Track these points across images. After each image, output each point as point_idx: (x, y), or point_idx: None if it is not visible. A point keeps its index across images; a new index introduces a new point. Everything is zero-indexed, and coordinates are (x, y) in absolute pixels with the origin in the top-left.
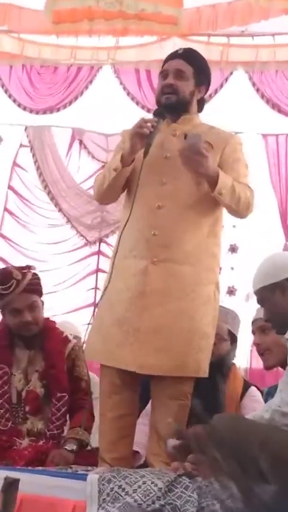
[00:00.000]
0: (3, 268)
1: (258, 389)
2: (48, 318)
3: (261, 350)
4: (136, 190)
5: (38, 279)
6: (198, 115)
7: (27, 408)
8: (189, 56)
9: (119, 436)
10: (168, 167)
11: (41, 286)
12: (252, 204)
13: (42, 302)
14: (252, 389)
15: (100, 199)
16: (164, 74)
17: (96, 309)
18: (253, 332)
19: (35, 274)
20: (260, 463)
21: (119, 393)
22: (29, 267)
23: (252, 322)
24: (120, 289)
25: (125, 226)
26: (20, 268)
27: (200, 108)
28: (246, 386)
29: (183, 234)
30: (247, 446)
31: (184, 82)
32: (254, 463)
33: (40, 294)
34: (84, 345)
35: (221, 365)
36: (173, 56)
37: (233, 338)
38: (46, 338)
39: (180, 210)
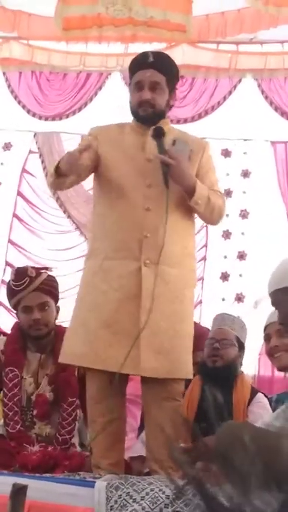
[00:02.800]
0: (20, 266)
1: (266, 396)
2: (60, 325)
3: (278, 352)
4: (120, 192)
5: (54, 281)
6: (168, 119)
7: (34, 412)
8: (162, 64)
9: (112, 441)
10: (151, 170)
11: (56, 289)
12: (224, 210)
13: (57, 307)
14: (259, 395)
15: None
16: (138, 86)
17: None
18: (266, 337)
19: (51, 276)
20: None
21: (108, 397)
22: (46, 268)
23: (266, 326)
24: (105, 290)
25: (102, 225)
26: (37, 268)
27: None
28: (254, 392)
29: (171, 236)
30: (255, 456)
31: (160, 95)
32: (261, 473)
33: (54, 296)
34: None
35: (229, 370)
36: (144, 65)
37: (241, 345)
38: (57, 342)
39: (168, 213)
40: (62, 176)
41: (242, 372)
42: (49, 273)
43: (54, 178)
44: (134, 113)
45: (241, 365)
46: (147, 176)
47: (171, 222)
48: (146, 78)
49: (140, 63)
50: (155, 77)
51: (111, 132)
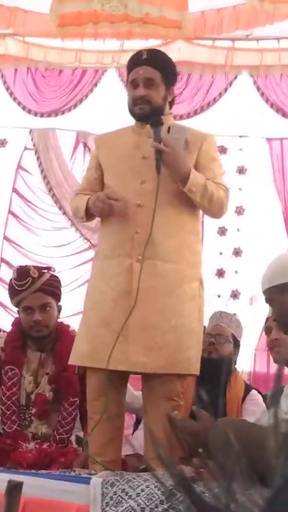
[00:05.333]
0: (23, 266)
1: (260, 392)
2: (62, 322)
3: (278, 345)
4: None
5: (57, 281)
6: (171, 115)
7: (33, 411)
8: (155, 60)
9: (108, 439)
10: (146, 167)
11: (58, 289)
12: (226, 204)
13: (59, 307)
14: (253, 392)
15: (78, 222)
16: (133, 84)
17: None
18: (267, 329)
19: (54, 276)
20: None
21: (106, 395)
22: (49, 268)
23: (267, 319)
24: (103, 290)
25: (104, 226)
26: (40, 268)
27: (170, 106)
28: (248, 389)
29: (165, 231)
30: (252, 450)
31: (155, 90)
32: (260, 467)
33: (56, 297)
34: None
35: (223, 365)
36: (138, 62)
37: (236, 343)
38: (58, 340)
39: (160, 208)
40: (92, 217)
41: (236, 369)
42: (52, 272)
43: (85, 219)
44: (131, 111)
45: (236, 363)
46: (141, 173)
47: (165, 216)
48: (140, 75)
49: (134, 61)
50: (148, 74)
51: (111, 137)
